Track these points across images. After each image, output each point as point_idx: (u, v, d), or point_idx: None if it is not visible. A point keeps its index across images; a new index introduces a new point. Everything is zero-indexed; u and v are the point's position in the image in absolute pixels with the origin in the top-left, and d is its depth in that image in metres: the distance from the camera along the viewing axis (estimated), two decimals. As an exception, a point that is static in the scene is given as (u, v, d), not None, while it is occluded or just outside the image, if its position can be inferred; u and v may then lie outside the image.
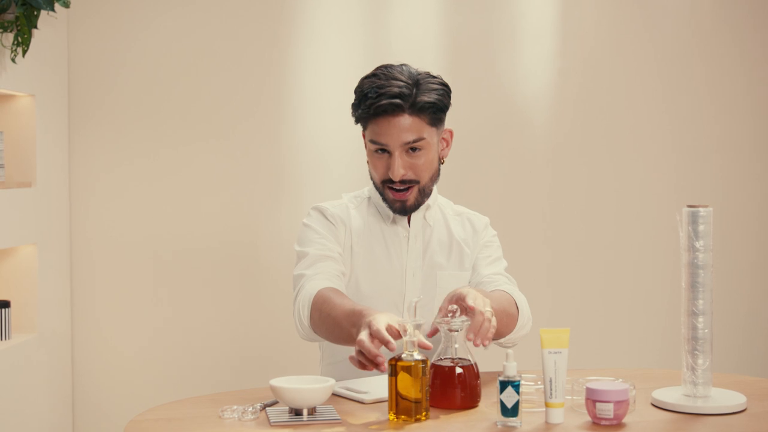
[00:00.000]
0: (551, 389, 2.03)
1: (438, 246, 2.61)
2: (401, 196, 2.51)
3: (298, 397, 2.04)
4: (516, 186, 3.80)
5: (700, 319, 2.15)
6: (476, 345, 2.12)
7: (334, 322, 2.28)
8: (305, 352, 3.36)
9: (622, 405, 2.01)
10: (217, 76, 3.59)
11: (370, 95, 2.45)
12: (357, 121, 2.54)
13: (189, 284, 3.63)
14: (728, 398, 2.15)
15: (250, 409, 2.08)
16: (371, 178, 2.58)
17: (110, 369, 3.58)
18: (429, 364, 2.04)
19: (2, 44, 3.10)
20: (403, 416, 2.02)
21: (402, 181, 2.49)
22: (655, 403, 2.16)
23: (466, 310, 2.15)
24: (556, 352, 2.04)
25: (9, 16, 3.13)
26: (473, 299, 2.15)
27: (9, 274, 3.32)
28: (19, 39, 3.12)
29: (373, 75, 2.50)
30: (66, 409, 3.54)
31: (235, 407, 2.09)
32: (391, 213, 2.59)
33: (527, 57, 3.77)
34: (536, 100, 3.78)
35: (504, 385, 2.00)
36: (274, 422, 2.02)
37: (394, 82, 2.45)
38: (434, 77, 2.52)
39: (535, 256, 3.81)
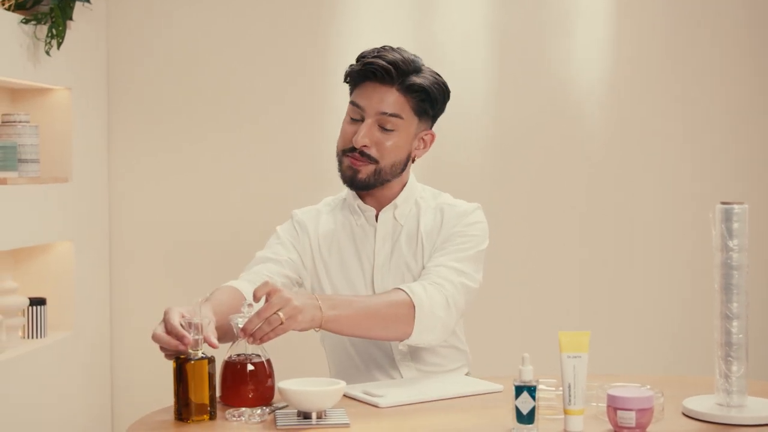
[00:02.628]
0: (570, 395, 1.98)
1: (406, 244, 2.56)
2: (356, 164, 2.48)
3: (304, 400, 2.03)
4: (564, 182, 3.75)
5: (734, 323, 2.07)
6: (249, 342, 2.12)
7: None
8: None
9: (645, 413, 1.95)
10: (258, 69, 3.61)
11: (367, 56, 2.49)
12: (347, 80, 2.55)
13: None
14: (765, 408, 2.08)
15: (258, 411, 2.07)
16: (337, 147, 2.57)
17: (151, 368, 3.61)
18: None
19: (36, 36, 3.14)
20: (191, 417, 2.04)
21: (361, 153, 2.47)
22: (685, 412, 2.10)
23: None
24: (575, 357, 1.99)
25: (43, 8, 3.18)
26: (266, 293, 2.14)
27: (45, 271, 3.38)
28: (54, 31, 3.16)
29: (380, 46, 2.54)
30: (105, 408, 3.58)
31: (242, 410, 2.09)
32: (360, 212, 2.58)
33: (580, 47, 3.71)
34: (589, 92, 3.72)
35: (519, 390, 1.96)
36: (280, 425, 2.01)
37: (395, 53, 2.48)
38: (437, 75, 2.53)
39: (570, 253, 3.77)
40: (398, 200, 2.57)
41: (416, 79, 2.47)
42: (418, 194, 2.62)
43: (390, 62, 2.45)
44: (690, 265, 3.78)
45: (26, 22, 3.10)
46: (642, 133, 3.77)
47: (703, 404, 2.10)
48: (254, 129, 3.63)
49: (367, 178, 2.49)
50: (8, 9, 3.11)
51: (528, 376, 1.97)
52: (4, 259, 3.30)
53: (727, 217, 2.07)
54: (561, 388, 2.09)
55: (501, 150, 3.70)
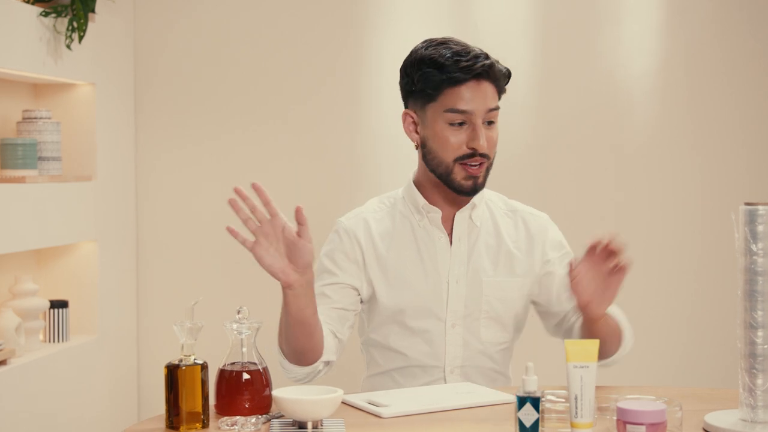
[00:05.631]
0: (577, 408, 1.95)
1: (485, 250, 2.57)
2: (477, 171, 2.48)
3: (299, 408, 2.03)
4: (611, 180, 3.71)
5: (759, 333, 2.02)
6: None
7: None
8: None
9: (657, 428, 1.92)
10: (289, 61, 3.63)
11: (457, 58, 2.45)
12: (425, 91, 2.49)
13: (266, 284, 3.65)
14: None
15: (252, 420, 2.08)
16: (430, 160, 2.51)
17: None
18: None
19: (56, 30, 3.19)
20: (182, 426, 2.05)
21: (481, 154, 2.47)
22: (706, 428, 2.05)
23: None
24: (582, 366, 1.96)
25: (64, 0, 3.23)
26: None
27: (67, 272, 3.43)
28: (75, 24, 3.21)
29: (439, 44, 2.50)
30: (131, 415, 3.62)
31: (236, 418, 2.10)
32: (423, 212, 2.56)
33: (628, 37, 3.66)
34: (637, 85, 3.67)
35: (522, 401, 1.94)
36: (273, 435, 2.02)
37: (471, 47, 2.49)
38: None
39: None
40: (476, 200, 2.57)
41: (500, 67, 2.50)
42: (486, 196, 2.63)
43: (487, 58, 2.47)
44: (727, 271, 3.70)
45: (46, 14, 3.15)
46: (692, 129, 3.72)
47: (725, 420, 2.05)
48: (286, 123, 3.64)
49: (483, 180, 2.52)
50: (27, 1, 3.16)
51: (532, 387, 1.95)
52: (25, 259, 3.35)
53: (752, 219, 2.02)
54: (571, 400, 2.07)
55: (544, 144, 3.67)
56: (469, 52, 2.47)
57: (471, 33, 3.57)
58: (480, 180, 2.50)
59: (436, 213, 2.56)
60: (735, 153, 3.75)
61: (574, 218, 3.67)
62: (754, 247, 2.01)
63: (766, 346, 2.02)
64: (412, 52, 2.54)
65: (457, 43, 2.50)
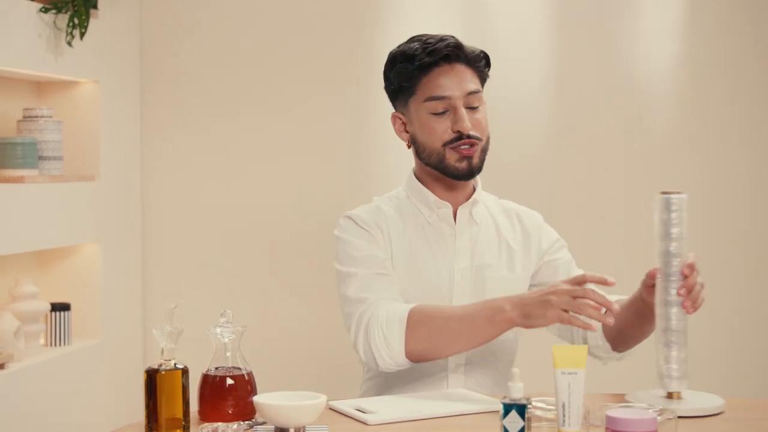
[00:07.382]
0: (564, 415, 1.94)
1: (486, 245, 2.60)
2: (469, 151, 2.51)
3: (280, 415, 2.03)
4: (625, 179, 3.71)
5: (674, 310, 2.22)
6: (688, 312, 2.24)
7: (460, 321, 2.35)
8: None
9: (647, 437, 1.91)
10: (298, 57, 3.64)
11: (425, 45, 2.52)
12: (402, 86, 2.55)
13: (278, 284, 3.67)
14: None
15: (234, 426, 2.09)
16: (421, 152, 2.56)
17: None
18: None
19: (56, 26, 3.22)
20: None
21: (469, 136, 2.50)
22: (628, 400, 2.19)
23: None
24: (570, 373, 1.95)
25: (65, -5, 3.26)
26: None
27: (69, 274, 3.45)
28: (75, 20, 3.23)
29: (408, 40, 2.58)
30: (135, 421, 3.64)
31: (217, 425, 2.11)
32: (434, 207, 2.58)
33: (647, 32, 3.64)
34: (655, 82, 3.65)
35: (508, 408, 1.94)
36: (253, 442, 2.03)
37: (440, 34, 2.55)
38: None
39: (613, 260, 3.72)
40: (476, 196, 2.61)
41: (471, 48, 2.55)
42: (482, 196, 2.67)
43: (454, 39, 2.53)
44: (734, 275, 3.68)
45: (45, 11, 3.17)
46: (712, 128, 3.71)
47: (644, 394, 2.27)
48: (294, 123, 3.65)
49: (479, 161, 2.55)
50: (26, -3, 3.19)
51: (518, 394, 1.94)
52: (26, 261, 3.38)
53: (667, 206, 2.22)
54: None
55: (559, 141, 3.66)
56: (435, 39, 2.53)
57: (484, 29, 3.57)
58: (475, 161, 2.53)
59: (447, 208, 2.59)
60: (756, 152, 3.72)
61: (587, 215, 3.67)
62: (670, 232, 2.22)
63: (680, 322, 2.22)
64: (387, 57, 2.61)
65: (426, 34, 2.57)
